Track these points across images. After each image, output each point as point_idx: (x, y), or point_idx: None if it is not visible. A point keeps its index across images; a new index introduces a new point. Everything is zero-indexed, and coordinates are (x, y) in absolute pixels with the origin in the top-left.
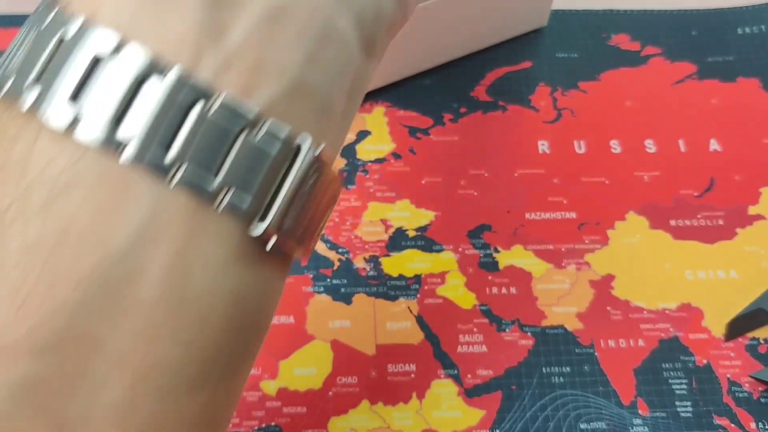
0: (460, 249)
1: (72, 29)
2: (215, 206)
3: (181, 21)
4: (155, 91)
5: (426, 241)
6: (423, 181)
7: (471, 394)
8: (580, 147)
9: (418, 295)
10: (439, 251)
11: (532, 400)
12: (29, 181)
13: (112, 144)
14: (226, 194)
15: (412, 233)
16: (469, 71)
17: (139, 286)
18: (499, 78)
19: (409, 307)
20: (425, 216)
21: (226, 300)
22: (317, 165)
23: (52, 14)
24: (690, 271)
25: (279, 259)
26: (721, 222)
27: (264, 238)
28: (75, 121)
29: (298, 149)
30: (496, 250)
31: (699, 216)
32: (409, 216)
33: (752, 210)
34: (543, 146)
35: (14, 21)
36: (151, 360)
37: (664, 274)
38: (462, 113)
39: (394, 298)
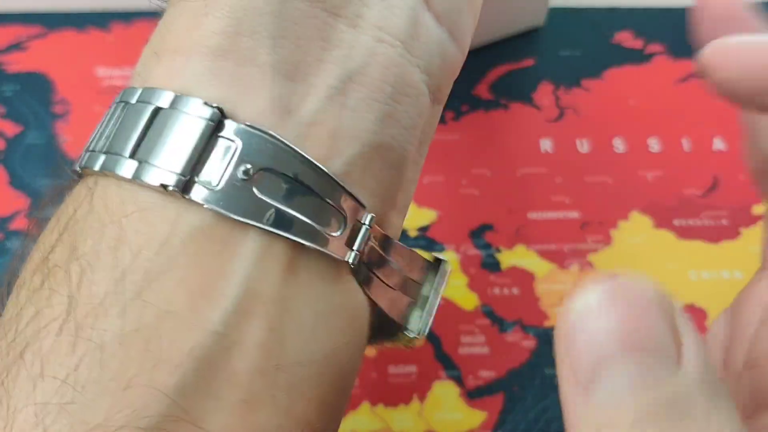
0: (461, 249)
1: (164, 101)
2: (306, 270)
3: (255, 99)
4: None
5: (427, 241)
6: (424, 181)
7: (473, 395)
8: (582, 146)
9: None
10: (440, 251)
11: (535, 402)
12: (124, 268)
13: (210, 218)
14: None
15: (413, 233)
16: (471, 69)
17: (236, 359)
18: (501, 76)
19: None
20: (427, 215)
21: (320, 361)
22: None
23: (140, 91)
24: (694, 271)
25: (365, 309)
26: (725, 221)
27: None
28: (186, 188)
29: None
30: (498, 250)
31: (703, 215)
32: (410, 215)
33: (756, 209)
34: (545, 145)
35: (12, 18)
36: (249, 430)
37: (668, 274)
38: (464, 111)
39: None
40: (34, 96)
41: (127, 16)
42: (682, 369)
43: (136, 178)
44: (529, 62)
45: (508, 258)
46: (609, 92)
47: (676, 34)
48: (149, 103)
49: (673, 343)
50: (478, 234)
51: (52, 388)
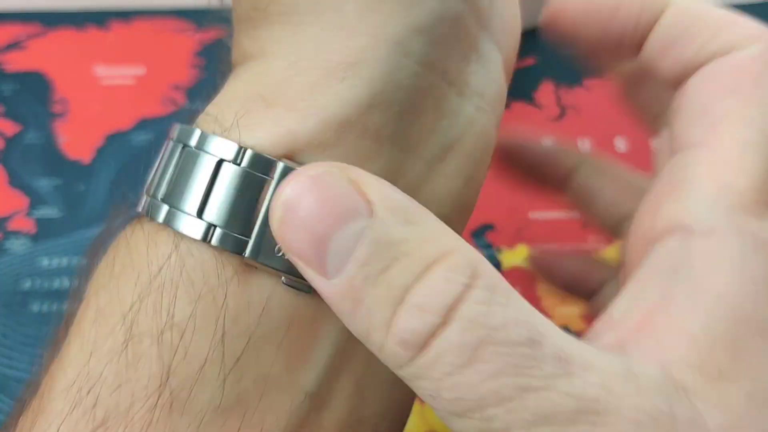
0: None
1: (276, 171)
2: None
3: (366, 169)
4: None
5: None
6: None
7: None
8: (584, 145)
9: None
10: None
11: None
12: (224, 332)
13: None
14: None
15: None
16: None
17: (324, 416)
18: None
19: None
20: None
21: (396, 410)
22: None
23: (249, 154)
24: None
25: None
26: None
27: None
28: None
29: None
30: (499, 250)
31: None
32: None
33: None
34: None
35: (11, 17)
36: None
37: None
38: None
39: None
40: (33, 95)
41: (126, 15)
42: (374, 215)
43: (249, 256)
44: (530, 61)
45: (510, 258)
46: (610, 91)
47: None
48: (258, 174)
49: (362, 201)
50: (479, 234)
51: None
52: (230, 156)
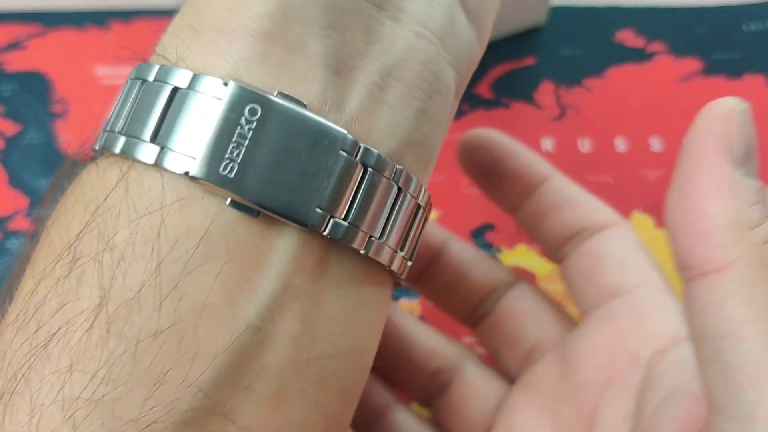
0: None
1: (218, 91)
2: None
3: (306, 91)
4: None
5: None
6: None
7: None
8: (584, 145)
9: (421, 296)
10: None
11: None
12: (162, 258)
13: (251, 209)
14: (368, 244)
15: None
16: None
17: (269, 353)
18: (502, 75)
19: (411, 308)
20: None
21: (347, 353)
22: (425, 208)
23: (189, 75)
24: None
25: (389, 295)
26: None
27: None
28: (220, 179)
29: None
30: (499, 250)
31: None
32: None
33: None
34: (546, 144)
35: (10, 17)
36: (279, 422)
37: (670, 274)
38: (464, 111)
39: (396, 298)
40: (33, 95)
41: (126, 15)
42: None
43: (194, 174)
44: (530, 61)
45: (510, 258)
46: (610, 91)
47: (678, 33)
48: (198, 91)
49: None
50: (479, 234)
51: (82, 383)
52: (185, 83)
